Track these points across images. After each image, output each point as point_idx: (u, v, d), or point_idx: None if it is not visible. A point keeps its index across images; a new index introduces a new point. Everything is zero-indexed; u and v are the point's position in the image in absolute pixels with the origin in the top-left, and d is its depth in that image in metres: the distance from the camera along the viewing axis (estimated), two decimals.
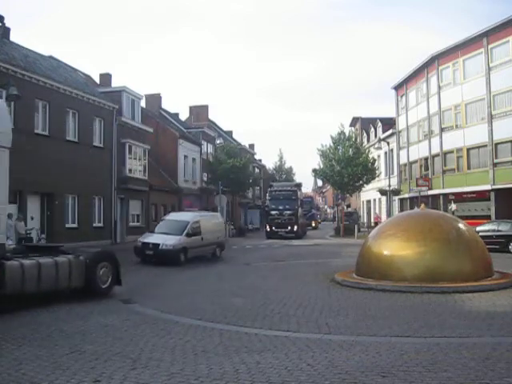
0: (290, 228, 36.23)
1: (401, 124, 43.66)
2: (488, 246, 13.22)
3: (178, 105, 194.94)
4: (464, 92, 32.19)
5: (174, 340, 6.78)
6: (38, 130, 23.08)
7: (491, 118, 29.65)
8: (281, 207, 36.79)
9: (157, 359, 5.83)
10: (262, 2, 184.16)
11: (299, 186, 42.96)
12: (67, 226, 24.93)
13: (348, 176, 36.41)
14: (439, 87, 35.18)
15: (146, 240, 18.55)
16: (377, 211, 51.97)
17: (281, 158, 77.20)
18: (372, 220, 47.51)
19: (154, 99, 43.70)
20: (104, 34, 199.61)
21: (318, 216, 76.47)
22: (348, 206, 57.03)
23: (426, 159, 37.76)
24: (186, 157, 41.05)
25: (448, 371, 5.23)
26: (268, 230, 37.33)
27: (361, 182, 38.27)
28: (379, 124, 51.03)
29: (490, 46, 29.74)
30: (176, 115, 48.97)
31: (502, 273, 12.38)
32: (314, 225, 55.02)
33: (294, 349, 6.26)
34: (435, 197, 34.94)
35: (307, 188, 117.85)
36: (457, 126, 33.44)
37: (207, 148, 45.43)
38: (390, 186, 40.41)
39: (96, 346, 6.48)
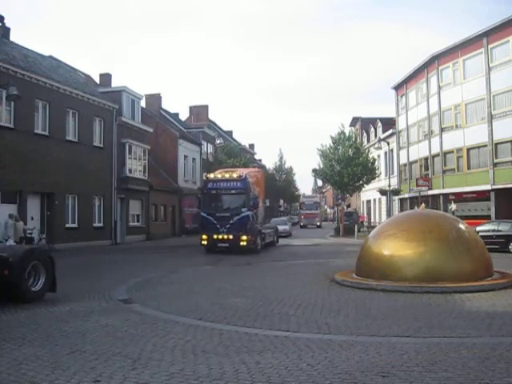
0: None
1: (401, 124, 43.66)
2: (488, 246, 13.22)
3: (178, 105, 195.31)
4: (464, 92, 32.19)
5: (174, 340, 6.77)
6: (38, 130, 23.12)
7: (491, 118, 29.65)
8: None
9: (157, 359, 5.82)
10: (262, 3, 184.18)
11: None
12: (67, 226, 24.99)
13: (348, 176, 36.39)
14: (439, 87, 35.18)
15: None
16: (364, 212, 52.14)
17: (281, 158, 77.35)
18: (359, 219, 47.64)
19: (154, 99, 43.74)
20: (104, 34, 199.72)
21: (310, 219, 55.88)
22: (348, 206, 57.02)
23: (426, 159, 37.77)
24: (186, 157, 41.08)
25: (448, 371, 5.22)
26: None
27: (361, 182, 38.27)
28: (379, 124, 51.06)
29: (489, 46, 29.74)
30: (176, 115, 49.02)
31: (502, 273, 12.36)
32: (242, 242, 22.09)
33: (294, 349, 6.25)
34: (435, 197, 34.95)
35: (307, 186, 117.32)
36: (457, 125, 33.44)
37: (207, 148, 45.46)
38: (390, 185, 40.40)
39: (96, 346, 6.47)
